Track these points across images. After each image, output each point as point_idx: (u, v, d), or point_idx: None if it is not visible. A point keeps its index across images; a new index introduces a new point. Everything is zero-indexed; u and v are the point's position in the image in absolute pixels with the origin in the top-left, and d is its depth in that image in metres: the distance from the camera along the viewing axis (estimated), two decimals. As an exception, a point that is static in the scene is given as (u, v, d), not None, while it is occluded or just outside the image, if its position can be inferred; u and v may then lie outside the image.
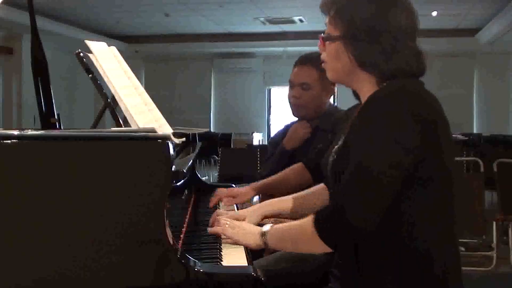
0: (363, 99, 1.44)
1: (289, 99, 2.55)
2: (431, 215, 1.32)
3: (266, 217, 1.72)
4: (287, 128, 2.65)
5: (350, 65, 1.40)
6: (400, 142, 1.26)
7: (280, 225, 1.46)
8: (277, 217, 1.76)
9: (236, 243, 1.49)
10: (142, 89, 1.80)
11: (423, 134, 1.28)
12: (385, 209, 1.27)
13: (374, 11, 1.37)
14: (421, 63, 1.39)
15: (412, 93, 1.32)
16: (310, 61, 2.50)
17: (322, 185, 1.75)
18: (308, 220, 1.33)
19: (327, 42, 1.44)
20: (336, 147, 1.48)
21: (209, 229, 1.56)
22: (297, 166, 2.32)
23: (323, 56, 1.48)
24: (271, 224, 1.46)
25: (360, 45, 1.37)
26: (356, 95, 1.63)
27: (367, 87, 1.41)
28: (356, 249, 1.34)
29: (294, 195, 1.79)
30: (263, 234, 1.44)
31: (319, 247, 1.31)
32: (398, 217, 1.31)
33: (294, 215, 1.72)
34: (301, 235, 1.36)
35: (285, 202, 1.75)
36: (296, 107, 2.53)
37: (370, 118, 1.30)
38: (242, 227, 1.53)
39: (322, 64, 1.50)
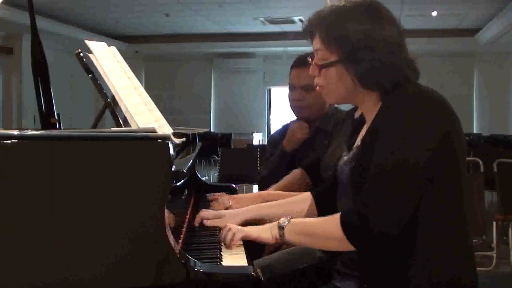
0: (366, 112, 1.46)
1: (291, 102, 2.54)
2: (443, 216, 1.34)
3: (246, 222, 1.69)
4: (286, 127, 2.64)
5: (353, 86, 1.41)
6: (423, 147, 1.29)
7: (299, 219, 1.47)
8: (259, 222, 1.70)
9: (253, 239, 1.48)
10: (142, 89, 1.80)
11: (443, 137, 1.31)
12: (409, 213, 1.29)
13: (367, 27, 1.37)
14: (414, 70, 1.42)
15: (429, 98, 1.34)
16: (309, 62, 2.49)
17: (307, 193, 1.75)
18: (335, 220, 1.34)
19: (325, 69, 1.43)
20: (350, 153, 1.49)
21: (221, 237, 1.51)
22: (297, 173, 2.29)
23: (318, 81, 1.47)
24: (289, 217, 1.46)
25: (362, 65, 1.38)
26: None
27: (369, 102, 1.43)
28: (376, 252, 1.35)
29: (277, 202, 1.78)
30: (281, 226, 1.45)
31: (344, 245, 1.33)
32: (414, 220, 1.32)
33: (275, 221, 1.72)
34: (326, 233, 1.38)
35: (268, 209, 1.74)
36: (299, 109, 2.52)
37: (393, 126, 1.32)
38: (254, 226, 1.54)
39: (317, 88, 1.48)
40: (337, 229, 1.32)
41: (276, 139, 2.66)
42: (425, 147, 1.29)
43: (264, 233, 1.48)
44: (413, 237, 1.32)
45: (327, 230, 1.37)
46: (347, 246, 1.33)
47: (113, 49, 1.79)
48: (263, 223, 1.61)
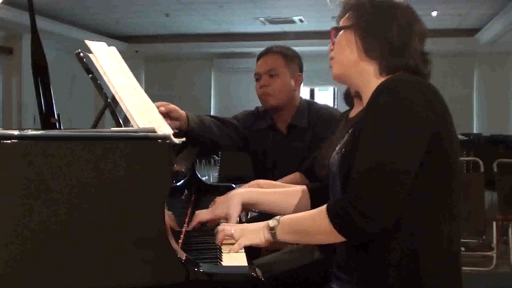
0: (365, 94, 1.46)
1: (258, 92, 2.49)
2: (432, 210, 1.33)
3: (244, 204, 1.69)
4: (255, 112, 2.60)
5: (357, 54, 1.44)
6: (415, 133, 1.29)
7: (287, 218, 1.46)
8: (252, 207, 1.74)
9: (247, 244, 1.47)
10: (141, 90, 1.80)
11: (434, 124, 1.30)
12: (400, 203, 1.28)
13: (388, 5, 1.43)
14: (426, 67, 1.43)
15: (423, 83, 1.35)
16: (273, 50, 2.48)
17: (303, 186, 1.76)
18: (321, 212, 1.34)
19: (340, 34, 1.48)
20: (342, 142, 1.49)
21: (217, 240, 1.51)
22: (295, 176, 2.27)
23: (332, 54, 1.52)
24: (278, 218, 1.46)
25: (370, 33, 1.42)
26: (348, 99, 1.65)
27: (370, 80, 1.43)
28: (365, 249, 1.35)
29: (275, 190, 1.78)
30: (272, 228, 1.44)
31: (336, 238, 1.33)
32: (399, 221, 1.31)
33: (270, 208, 1.72)
34: (315, 227, 1.37)
35: (265, 195, 1.73)
36: (265, 96, 2.46)
37: (382, 107, 1.31)
38: (245, 227, 1.53)
39: (330, 62, 1.52)
40: (326, 222, 1.32)
41: (245, 114, 2.60)
42: (413, 146, 1.28)
43: (256, 237, 1.47)
44: (397, 237, 1.31)
45: (316, 225, 1.36)
46: (338, 238, 1.33)
47: (113, 49, 1.79)
48: (257, 207, 1.69)
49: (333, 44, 1.51)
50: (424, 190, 1.32)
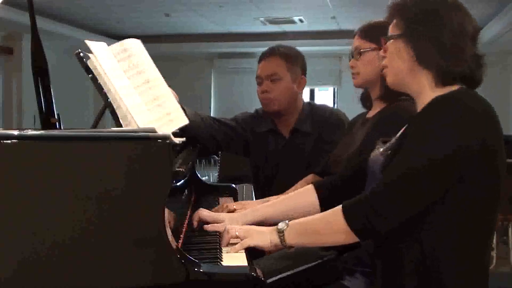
0: (421, 104, 1.42)
1: (259, 96, 2.43)
2: (473, 219, 1.33)
3: (254, 224, 1.67)
4: (255, 114, 2.56)
5: (410, 63, 1.40)
6: (464, 151, 1.27)
7: (297, 221, 1.45)
8: (264, 224, 1.70)
9: (250, 245, 1.47)
10: (156, 83, 1.79)
11: (485, 142, 1.31)
12: (418, 209, 1.29)
13: (436, 8, 1.38)
14: (480, 72, 1.40)
15: (479, 103, 1.35)
16: (276, 52, 2.41)
17: (309, 185, 1.74)
18: (337, 214, 1.34)
19: (389, 42, 1.44)
20: (386, 146, 1.49)
21: (223, 243, 1.51)
22: (309, 178, 2.20)
23: (384, 62, 1.48)
24: (287, 221, 1.46)
25: (421, 41, 1.37)
26: (366, 102, 1.63)
27: (425, 90, 1.40)
28: (399, 252, 1.34)
29: (279, 199, 1.77)
30: (280, 231, 1.44)
31: (347, 238, 1.33)
32: (440, 218, 1.31)
33: (282, 218, 1.71)
34: (330, 229, 1.36)
35: (270, 208, 1.72)
36: (267, 101, 2.40)
37: (434, 123, 1.30)
38: (252, 228, 1.52)
39: (383, 71, 1.49)
40: (341, 222, 1.32)
41: (245, 116, 2.58)
42: (458, 166, 1.28)
43: (263, 240, 1.46)
44: (432, 238, 1.31)
45: (330, 226, 1.36)
46: (350, 239, 1.33)
47: (138, 42, 1.80)
48: (269, 222, 1.61)
49: (384, 52, 1.48)
50: (466, 202, 1.32)
